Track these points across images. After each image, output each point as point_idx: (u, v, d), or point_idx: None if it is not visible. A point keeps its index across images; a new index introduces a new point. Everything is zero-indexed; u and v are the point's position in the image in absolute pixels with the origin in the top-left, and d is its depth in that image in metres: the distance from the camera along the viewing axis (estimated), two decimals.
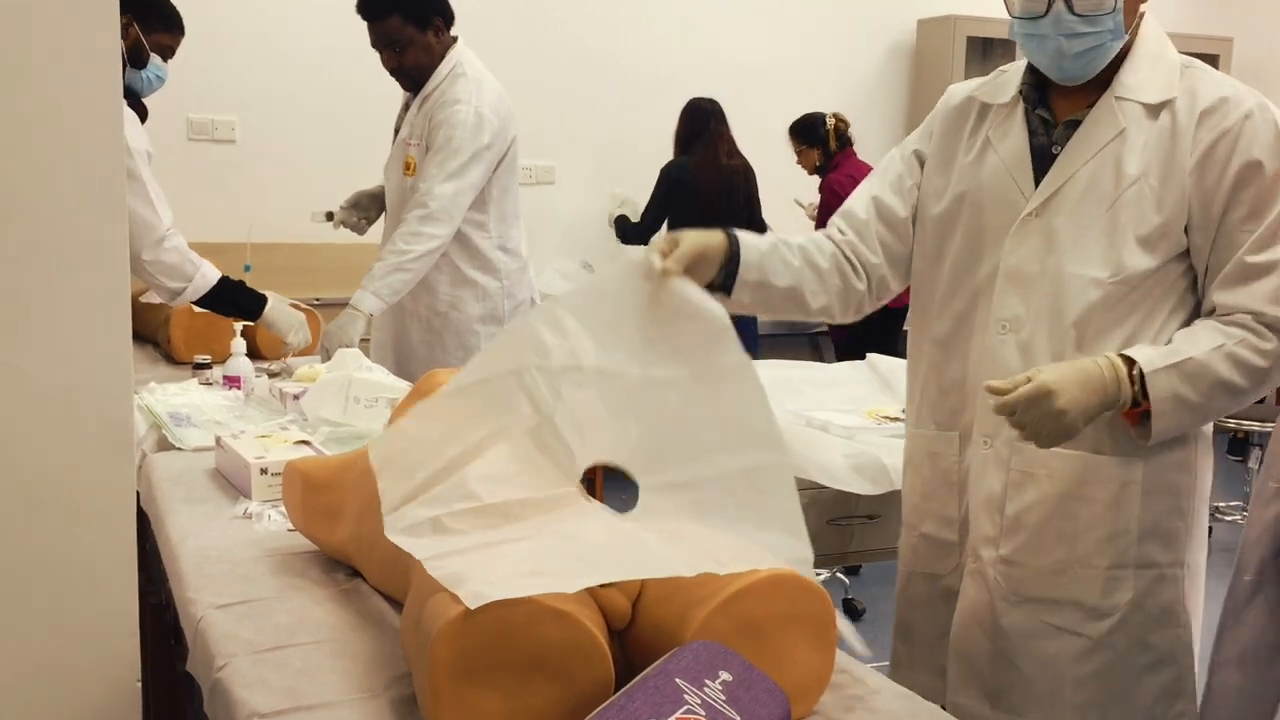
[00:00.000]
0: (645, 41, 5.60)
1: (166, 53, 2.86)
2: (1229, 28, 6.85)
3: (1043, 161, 1.65)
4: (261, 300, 2.79)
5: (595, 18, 5.53)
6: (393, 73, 3.19)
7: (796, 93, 5.89)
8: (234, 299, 2.78)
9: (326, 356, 2.84)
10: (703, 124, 4.80)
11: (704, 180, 4.69)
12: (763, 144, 5.24)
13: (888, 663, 1.82)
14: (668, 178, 4.78)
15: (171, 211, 2.70)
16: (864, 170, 4.95)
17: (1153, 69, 1.63)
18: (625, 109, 5.50)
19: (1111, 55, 1.59)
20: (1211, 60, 6.84)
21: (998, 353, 1.64)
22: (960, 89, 1.80)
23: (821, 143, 4.96)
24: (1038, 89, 1.69)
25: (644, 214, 4.89)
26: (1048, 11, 1.55)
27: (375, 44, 3.13)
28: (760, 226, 4.78)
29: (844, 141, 4.97)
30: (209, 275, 2.72)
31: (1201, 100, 1.58)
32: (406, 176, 3.18)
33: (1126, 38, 1.61)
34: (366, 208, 3.42)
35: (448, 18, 3.16)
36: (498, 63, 3.31)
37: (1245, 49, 6.81)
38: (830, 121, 4.96)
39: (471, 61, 3.19)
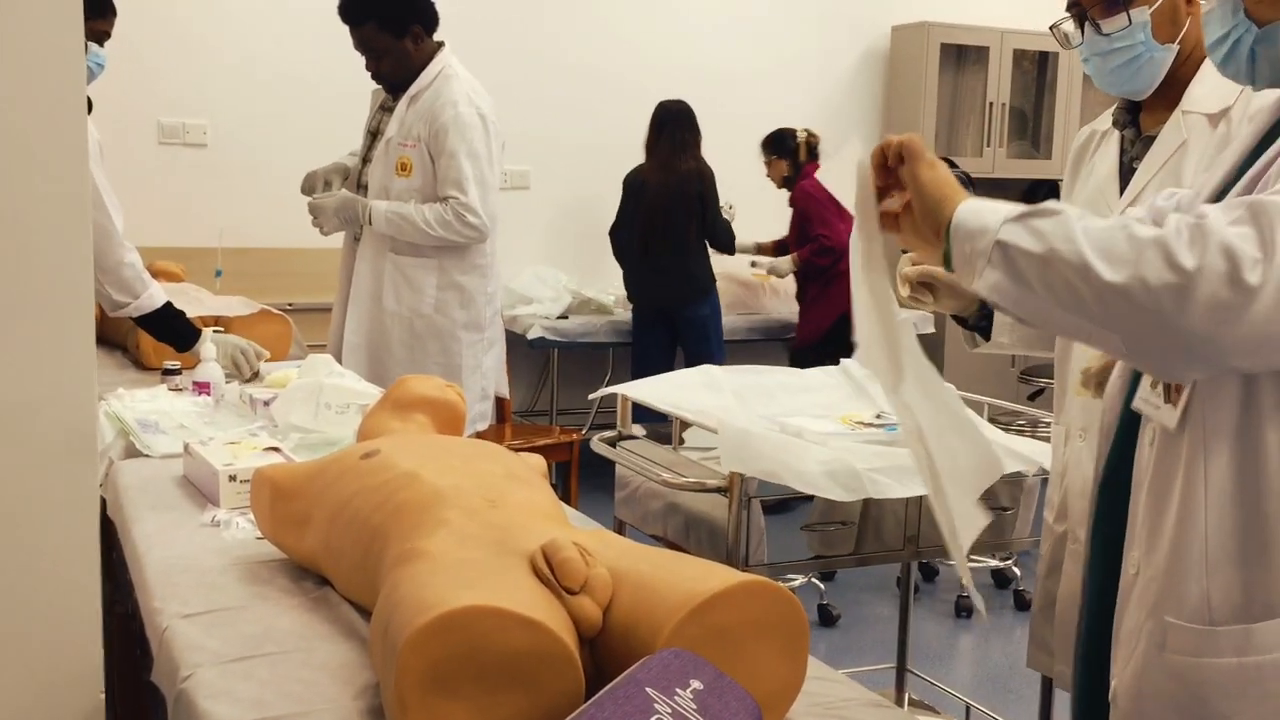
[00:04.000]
0: (621, 47, 5.59)
1: (103, 38, 2.83)
2: None
3: (1129, 178, 1.78)
4: (195, 334, 2.76)
5: (571, 23, 5.52)
6: (373, 76, 3.22)
7: (772, 98, 5.90)
8: (172, 326, 2.76)
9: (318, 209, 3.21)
10: (659, 128, 4.82)
11: (653, 184, 4.72)
12: (739, 149, 5.24)
13: (862, 668, 1.83)
14: (626, 184, 4.84)
15: (123, 214, 2.67)
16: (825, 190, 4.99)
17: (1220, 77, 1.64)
18: (601, 114, 5.50)
19: (1162, 65, 1.67)
20: None
21: (1084, 356, 1.73)
22: (1085, 128, 1.95)
23: (791, 155, 5.02)
24: (1129, 110, 1.82)
25: (614, 221, 4.91)
26: (1083, 37, 1.67)
27: (356, 47, 3.17)
28: (715, 230, 4.80)
29: (813, 154, 5.04)
30: (155, 297, 2.71)
31: (1254, 104, 1.59)
32: (400, 177, 3.19)
33: (1178, 47, 1.70)
34: (341, 186, 3.40)
35: (428, 24, 3.18)
36: (473, 67, 3.31)
37: None
38: (802, 135, 5.03)
39: (459, 66, 3.21)
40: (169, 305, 2.72)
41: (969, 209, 1.12)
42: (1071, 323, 1.07)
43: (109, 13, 2.89)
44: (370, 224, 3.18)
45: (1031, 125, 6.46)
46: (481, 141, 3.15)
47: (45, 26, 1.32)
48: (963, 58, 6.25)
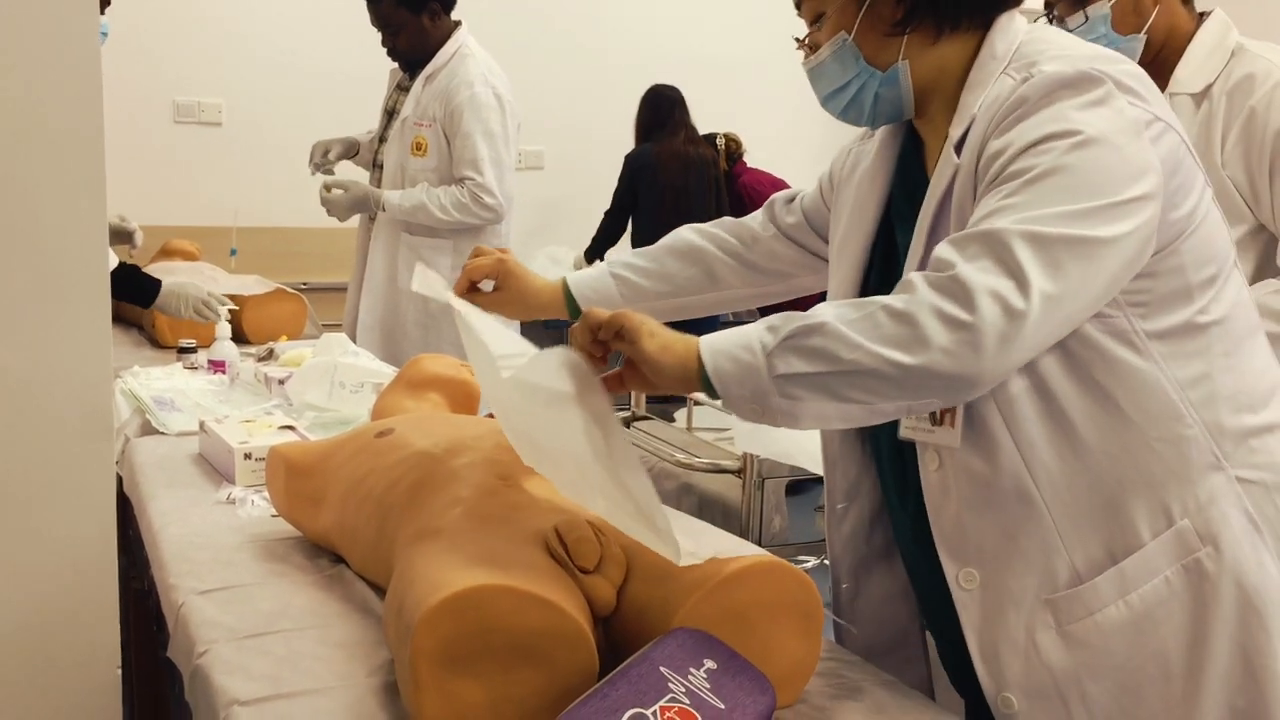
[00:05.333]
0: (635, 32, 5.57)
1: (103, 5, 2.83)
2: None
3: None
4: (155, 286, 2.76)
5: (587, 6, 5.50)
6: (389, 53, 3.22)
7: (786, 83, 5.87)
8: (129, 286, 2.75)
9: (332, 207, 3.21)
10: (666, 112, 4.77)
11: (668, 168, 4.67)
12: (749, 138, 5.22)
13: None
14: (631, 166, 4.77)
15: None
16: (766, 176, 5.01)
17: (1204, 57, 1.71)
18: (615, 95, 5.48)
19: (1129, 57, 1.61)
20: None
21: None
22: None
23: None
24: None
25: (612, 204, 4.87)
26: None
27: (373, 23, 3.17)
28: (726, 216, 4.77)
29: (733, 159, 5.05)
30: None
31: (1230, 82, 1.63)
32: (415, 156, 3.19)
33: (1144, 37, 1.78)
34: (342, 157, 3.43)
35: (446, 1, 3.17)
36: (489, 47, 3.30)
37: None
38: (721, 141, 5.02)
39: (476, 45, 3.21)
40: (122, 265, 2.73)
41: (716, 355, 1.12)
42: (887, 409, 1.11)
43: None
44: (385, 210, 3.19)
45: None
46: (498, 121, 3.14)
47: (60, 9, 1.32)
48: None
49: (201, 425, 2.02)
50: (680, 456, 2.34)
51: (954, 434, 1.20)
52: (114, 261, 2.71)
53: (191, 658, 1.27)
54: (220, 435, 1.90)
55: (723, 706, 1.02)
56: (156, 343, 3.00)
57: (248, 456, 1.83)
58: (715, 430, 2.50)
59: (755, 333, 1.11)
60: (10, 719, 1.41)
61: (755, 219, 1.59)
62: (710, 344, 1.13)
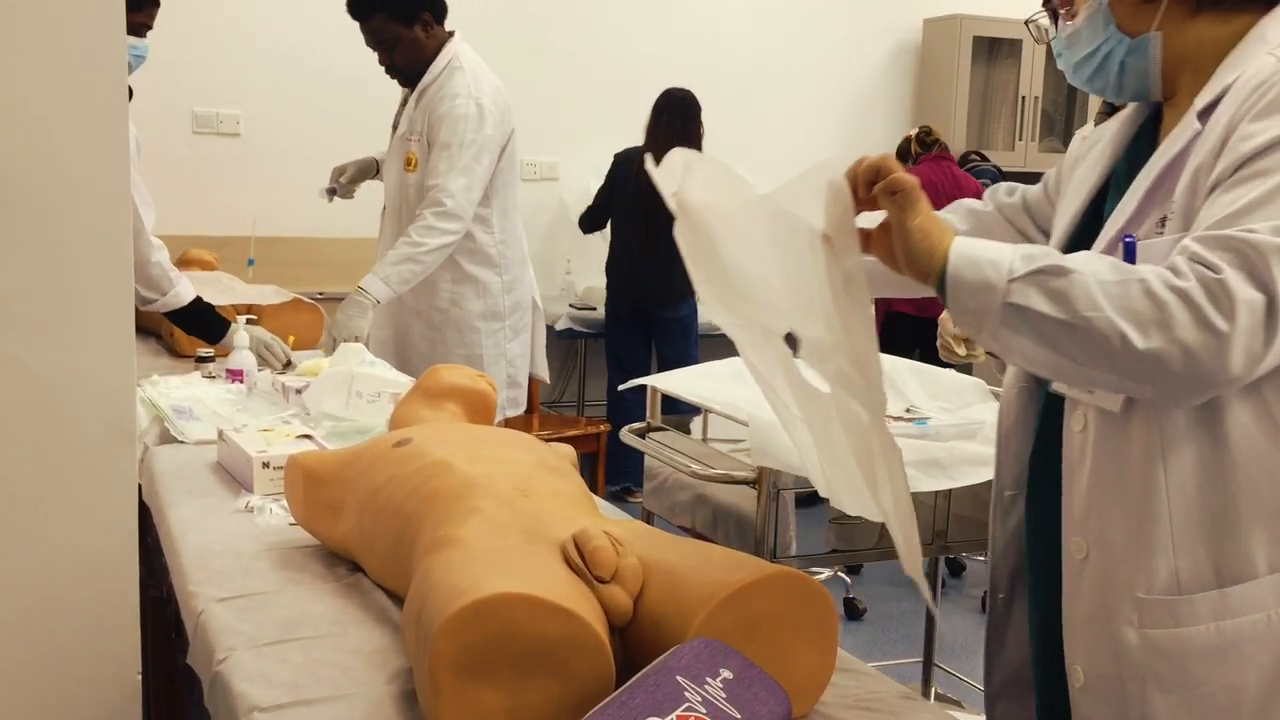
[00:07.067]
0: (651, 39, 5.59)
1: (142, 30, 2.85)
2: None
3: None
4: (225, 326, 2.79)
5: (601, 14, 5.53)
6: (387, 70, 3.21)
7: (802, 93, 5.89)
8: (201, 320, 2.80)
9: (333, 349, 2.84)
10: (659, 115, 4.73)
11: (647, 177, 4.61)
12: (766, 144, 5.23)
13: (889, 662, 1.83)
14: (616, 165, 4.75)
15: (155, 212, 2.69)
16: (966, 180, 4.75)
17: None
18: (631, 105, 5.50)
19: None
20: None
21: None
22: (1077, 134, 1.89)
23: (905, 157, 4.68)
24: (1109, 113, 1.75)
25: (595, 197, 4.87)
26: (1056, 30, 1.54)
27: (368, 43, 3.15)
28: None
29: (928, 146, 4.62)
30: (183, 294, 2.74)
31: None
32: (407, 172, 3.19)
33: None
34: (356, 179, 3.45)
35: (437, 12, 3.16)
36: (501, 58, 3.31)
37: None
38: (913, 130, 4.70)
39: (468, 55, 3.19)
40: (198, 300, 2.75)
41: (964, 260, 1.07)
42: (1097, 378, 1.07)
43: (148, 4, 2.91)
44: (380, 300, 3.05)
45: (1064, 120, 6.42)
46: (473, 131, 3.08)
47: (88, 20, 1.34)
48: (995, 51, 6.21)
49: (220, 434, 2.03)
50: (695, 467, 2.34)
51: (1115, 399, 1.16)
52: (188, 296, 2.74)
53: (211, 664, 1.28)
54: (239, 444, 1.92)
55: (739, 716, 1.03)
56: (175, 352, 3.02)
57: (266, 465, 1.85)
58: (730, 442, 2.50)
59: (1009, 254, 1.07)
60: None
61: (975, 201, 1.54)
62: (962, 247, 1.08)
